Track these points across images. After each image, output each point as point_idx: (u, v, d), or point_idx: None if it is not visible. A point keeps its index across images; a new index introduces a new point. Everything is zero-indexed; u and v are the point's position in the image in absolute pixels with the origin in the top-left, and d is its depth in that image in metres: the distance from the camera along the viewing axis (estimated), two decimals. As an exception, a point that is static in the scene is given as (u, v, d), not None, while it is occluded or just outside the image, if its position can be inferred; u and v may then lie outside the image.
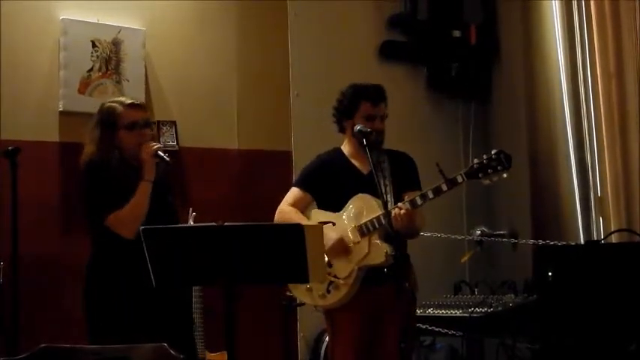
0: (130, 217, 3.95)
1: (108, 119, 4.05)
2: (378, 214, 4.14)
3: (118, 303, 3.97)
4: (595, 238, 5.30)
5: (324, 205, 4.35)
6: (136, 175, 4.03)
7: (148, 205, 4.00)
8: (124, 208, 3.96)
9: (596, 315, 4.36)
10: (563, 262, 4.60)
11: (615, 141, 5.39)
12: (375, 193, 4.11)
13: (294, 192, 4.41)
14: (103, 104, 4.16)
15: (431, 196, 4.06)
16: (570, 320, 4.46)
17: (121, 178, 4.02)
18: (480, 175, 4.03)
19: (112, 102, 4.13)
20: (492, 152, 4.03)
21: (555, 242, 5.27)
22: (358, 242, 4.19)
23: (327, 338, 5.02)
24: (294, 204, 4.36)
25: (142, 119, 4.08)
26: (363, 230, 4.17)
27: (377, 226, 4.13)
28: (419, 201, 4.07)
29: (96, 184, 4.03)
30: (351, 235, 4.21)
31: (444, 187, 4.04)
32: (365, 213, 4.20)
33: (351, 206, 4.25)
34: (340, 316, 4.26)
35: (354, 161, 4.37)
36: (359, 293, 4.20)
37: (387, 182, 4.23)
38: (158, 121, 5.43)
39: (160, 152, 4.00)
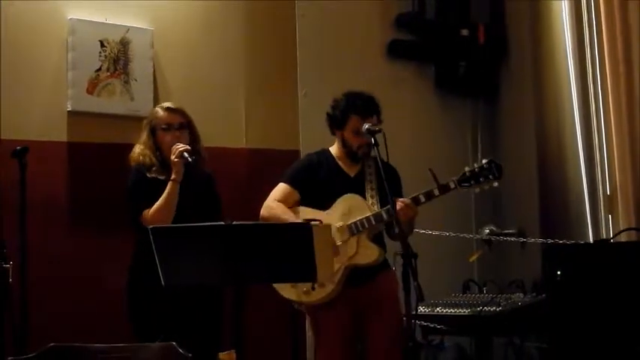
0: (156, 215, 4.20)
1: (150, 121, 4.45)
2: (367, 215, 4.23)
3: (158, 300, 4.06)
4: (604, 237, 5.29)
5: (309, 203, 4.38)
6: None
7: (176, 204, 4.24)
8: (152, 207, 4.22)
9: (604, 314, 4.34)
10: (572, 261, 4.59)
11: (624, 140, 5.37)
12: (361, 195, 4.21)
13: (282, 188, 4.46)
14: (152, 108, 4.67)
15: (422, 200, 4.19)
16: (579, 320, 4.45)
17: (159, 180, 4.28)
18: (472, 182, 4.20)
19: (157, 106, 4.58)
20: (484, 161, 4.21)
21: (564, 241, 5.25)
22: (346, 241, 4.23)
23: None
24: (282, 200, 4.42)
25: (177, 122, 4.41)
26: (352, 230, 4.23)
27: (366, 226, 4.20)
28: (422, 198, 4.18)
29: (135, 183, 4.32)
30: (337, 233, 4.25)
31: (436, 192, 4.19)
32: (353, 213, 4.26)
33: (339, 205, 4.33)
34: (324, 314, 4.33)
35: (341, 163, 4.45)
36: (343, 291, 4.25)
37: (374, 186, 4.30)
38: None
39: (185, 153, 4.26)
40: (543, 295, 4.95)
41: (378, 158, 4.13)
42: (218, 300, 4.35)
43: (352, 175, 4.41)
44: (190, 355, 3.00)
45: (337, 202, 4.32)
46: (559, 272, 4.50)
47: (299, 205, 4.42)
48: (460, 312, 4.92)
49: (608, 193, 5.38)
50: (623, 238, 4.99)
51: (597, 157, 5.44)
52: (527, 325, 4.99)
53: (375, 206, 4.29)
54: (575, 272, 4.52)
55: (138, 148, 4.41)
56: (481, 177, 4.18)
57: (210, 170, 4.60)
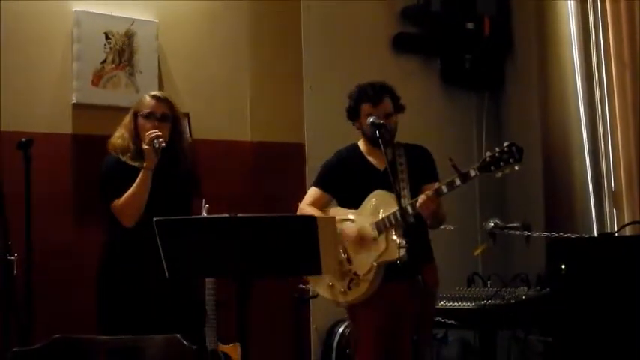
0: (126, 204, 4.12)
1: (135, 106, 4.32)
2: (395, 210, 4.15)
3: (126, 292, 4.05)
4: (608, 231, 5.29)
5: (344, 203, 4.38)
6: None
7: (148, 193, 4.13)
8: (122, 197, 4.12)
9: (609, 308, 4.34)
10: (576, 255, 4.59)
11: (629, 133, 5.37)
12: (392, 188, 4.14)
13: (313, 191, 4.47)
14: None
15: (445, 190, 4.08)
16: (583, 313, 4.45)
17: (133, 167, 4.17)
18: (493, 168, 4.04)
19: (146, 93, 4.42)
20: (504, 145, 4.03)
21: (568, 235, 5.25)
22: (376, 239, 4.21)
23: (344, 330, 5.06)
24: (313, 203, 4.41)
25: (160, 112, 4.26)
26: (380, 227, 4.20)
27: (393, 222, 4.15)
28: (444, 189, 4.07)
29: (108, 170, 4.22)
30: (368, 231, 4.23)
31: (458, 182, 4.06)
32: (382, 209, 4.22)
33: (368, 203, 4.29)
34: (363, 311, 4.30)
35: (370, 158, 4.41)
36: (380, 288, 4.23)
37: (404, 177, 4.24)
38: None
39: (155, 140, 4.12)
40: (547, 289, 4.95)
41: (383, 152, 4.09)
42: (192, 290, 4.33)
43: (381, 168, 4.32)
44: (194, 346, 3.01)
45: (367, 199, 4.28)
46: (563, 266, 4.50)
47: (333, 206, 4.43)
48: (464, 305, 4.92)
49: (613, 186, 5.38)
50: (627, 231, 4.99)
51: (602, 151, 5.44)
52: (532, 319, 5.00)
53: (407, 198, 4.20)
54: (580, 266, 4.52)
55: (117, 132, 4.32)
56: (501, 161, 4.00)
57: (197, 172, 4.53)
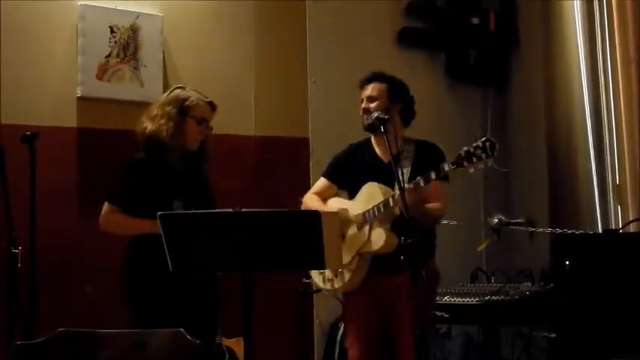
0: (113, 228, 4.20)
1: (183, 103, 4.26)
2: (379, 202, 4.16)
3: (154, 284, 4.06)
4: (613, 227, 5.28)
5: (353, 195, 4.39)
6: (186, 166, 4.25)
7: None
8: (119, 217, 4.15)
9: (613, 304, 4.34)
10: (580, 251, 4.59)
11: (634, 128, 5.36)
12: (394, 182, 4.13)
13: (320, 181, 4.54)
14: (176, 88, 4.39)
15: (422, 183, 4.04)
16: (587, 309, 4.44)
17: (166, 167, 4.17)
18: (466, 163, 3.95)
19: (189, 91, 4.35)
20: (480, 140, 3.93)
21: (573, 231, 5.25)
22: (360, 229, 4.22)
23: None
24: (319, 193, 4.48)
25: (210, 120, 4.33)
26: (366, 217, 4.21)
27: (376, 213, 4.16)
28: (422, 182, 4.03)
29: (130, 174, 4.22)
30: (355, 222, 4.25)
31: (433, 176, 4.00)
32: (371, 200, 4.22)
33: (361, 194, 4.32)
34: (352, 301, 4.36)
35: (378, 150, 4.41)
36: (370, 281, 4.25)
37: (405, 171, 4.22)
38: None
39: None
40: (551, 285, 4.94)
41: (387, 146, 4.06)
42: (213, 285, 4.32)
43: (386, 161, 4.30)
44: (198, 341, 3.01)
45: (360, 190, 4.31)
46: (567, 262, 4.50)
47: (342, 197, 4.46)
48: (468, 301, 4.91)
49: (618, 183, 5.37)
50: (632, 228, 4.98)
51: (607, 147, 5.43)
52: (536, 315, 4.99)
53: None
54: (584, 262, 4.52)
55: (159, 121, 4.22)
56: (474, 157, 3.90)
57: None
